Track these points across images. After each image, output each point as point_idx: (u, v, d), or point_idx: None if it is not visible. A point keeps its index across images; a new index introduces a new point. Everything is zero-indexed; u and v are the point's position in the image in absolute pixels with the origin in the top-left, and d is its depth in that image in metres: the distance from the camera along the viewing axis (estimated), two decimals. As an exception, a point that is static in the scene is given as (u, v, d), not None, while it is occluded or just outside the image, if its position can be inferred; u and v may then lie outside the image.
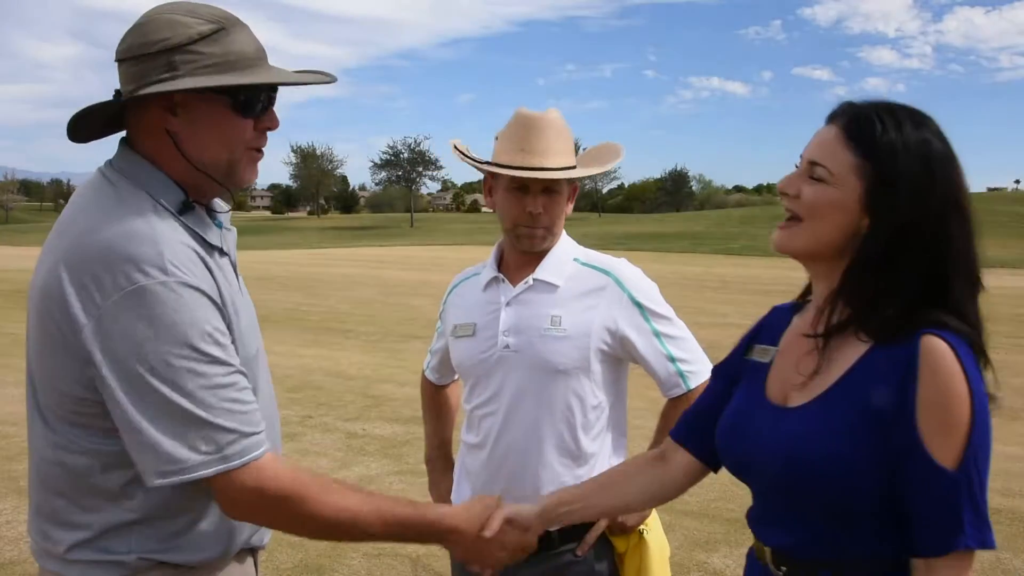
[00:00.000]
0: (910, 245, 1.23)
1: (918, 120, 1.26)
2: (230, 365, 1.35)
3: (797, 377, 1.34)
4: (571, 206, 2.03)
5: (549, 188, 1.94)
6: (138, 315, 1.27)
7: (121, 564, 1.38)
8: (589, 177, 1.99)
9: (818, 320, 1.33)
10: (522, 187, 1.93)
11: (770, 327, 1.50)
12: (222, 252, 1.48)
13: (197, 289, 1.32)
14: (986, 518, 1.20)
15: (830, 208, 1.27)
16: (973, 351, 1.22)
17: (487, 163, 1.98)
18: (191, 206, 1.42)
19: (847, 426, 1.24)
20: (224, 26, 1.40)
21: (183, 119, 1.40)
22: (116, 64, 1.42)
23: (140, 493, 1.37)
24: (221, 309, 1.38)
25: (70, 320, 1.29)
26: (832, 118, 1.31)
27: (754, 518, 1.44)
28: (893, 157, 1.23)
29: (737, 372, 1.52)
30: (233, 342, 1.39)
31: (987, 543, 1.19)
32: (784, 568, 1.34)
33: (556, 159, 1.92)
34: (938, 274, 1.24)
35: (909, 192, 1.22)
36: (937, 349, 1.19)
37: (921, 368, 1.18)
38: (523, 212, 1.93)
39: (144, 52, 1.36)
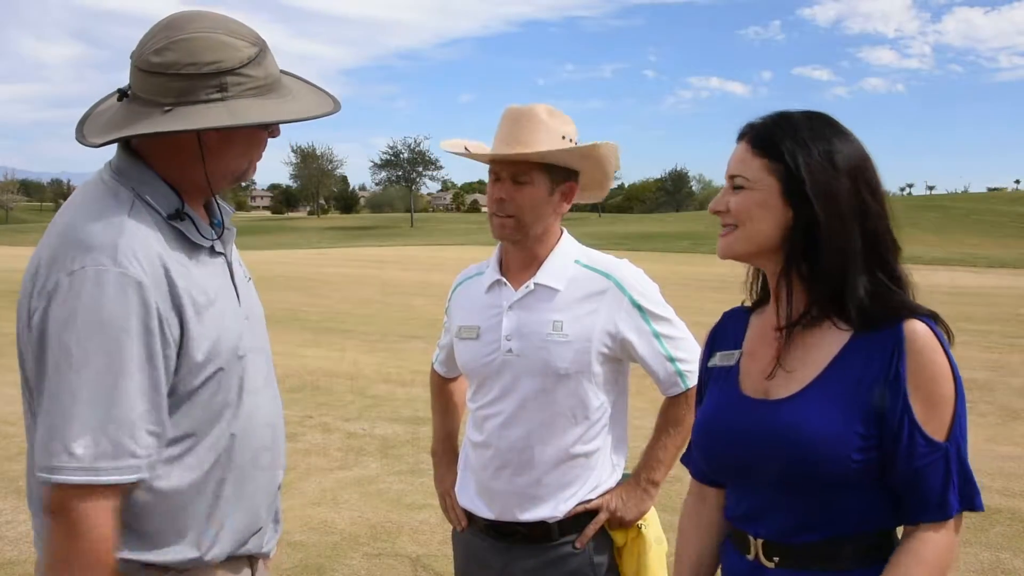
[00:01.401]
0: (833, 221, 1.34)
1: (812, 118, 1.42)
2: (151, 366, 1.31)
3: (778, 370, 1.41)
4: (566, 205, 2.01)
5: (517, 177, 1.95)
6: (70, 296, 1.28)
7: None
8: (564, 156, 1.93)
9: (778, 311, 1.43)
10: (497, 176, 1.97)
11: (725, 332, 1.58)
12: (213, 251, 1.48)
13: (140, 284, 1.31)
14: (974, 481, 1.32)
15: (757, 208, 1.39)
16: (942, 332, 1.34)
17: (466, 154, 2.03)
18: (183, 216, 1.42)
19: (844, 409, 1.32)
20: (262, 47, 1.44)
21: (222, 134, 1.43)
22: (138, 70, 1.40)
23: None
24: (178, 310, 1.35)
25: (30, 308, 1.32)
26: (740, 137, 1.46)
27: (741, 515, 1.46)
28: (794, 153, 1.37)
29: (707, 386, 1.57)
30: (185, 343, 1.37)
31: (977, 505, 1.31)
32: (777, 559, 1.39)
33: (529, 149, 1.92)
34: (868, 234, 1.35)
35: (817, 177, 1.36)
36: (921, 333, 1.31)
37: (908, 351, 1.30)
38: (493, 199, 1.98)
39: (194, 72, 1.38)
